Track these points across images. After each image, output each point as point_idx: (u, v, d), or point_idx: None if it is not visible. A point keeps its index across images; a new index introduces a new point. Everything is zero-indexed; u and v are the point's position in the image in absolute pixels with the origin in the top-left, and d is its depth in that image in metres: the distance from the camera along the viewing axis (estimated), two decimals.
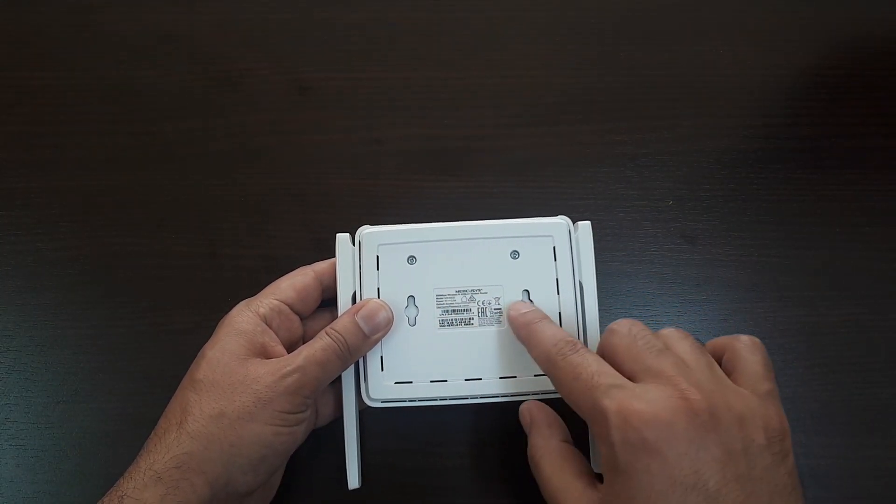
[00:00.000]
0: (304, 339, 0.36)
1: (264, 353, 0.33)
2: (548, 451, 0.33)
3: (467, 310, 0.36)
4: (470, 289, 0.36)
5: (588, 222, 0.37)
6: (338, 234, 0.37)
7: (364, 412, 0.37)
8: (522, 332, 0.34)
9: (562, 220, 0.37)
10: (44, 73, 0.45)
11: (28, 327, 0.40)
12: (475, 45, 0.45)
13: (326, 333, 0.34)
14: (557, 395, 0.32)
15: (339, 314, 0.35)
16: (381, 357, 0.36)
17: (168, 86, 0.45)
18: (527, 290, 0.36)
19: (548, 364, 0.32)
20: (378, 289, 0.36)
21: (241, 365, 0.32)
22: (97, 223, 0.42)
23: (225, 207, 0.42)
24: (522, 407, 0.35)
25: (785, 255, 0.41)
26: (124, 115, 0.44)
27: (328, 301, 0.36)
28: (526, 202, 0.42)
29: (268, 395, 0.31)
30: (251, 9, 0.46)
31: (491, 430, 0.39)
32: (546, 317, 0.34)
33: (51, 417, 0.39)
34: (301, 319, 0.36)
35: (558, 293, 0.36)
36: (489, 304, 0.36)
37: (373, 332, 0.34)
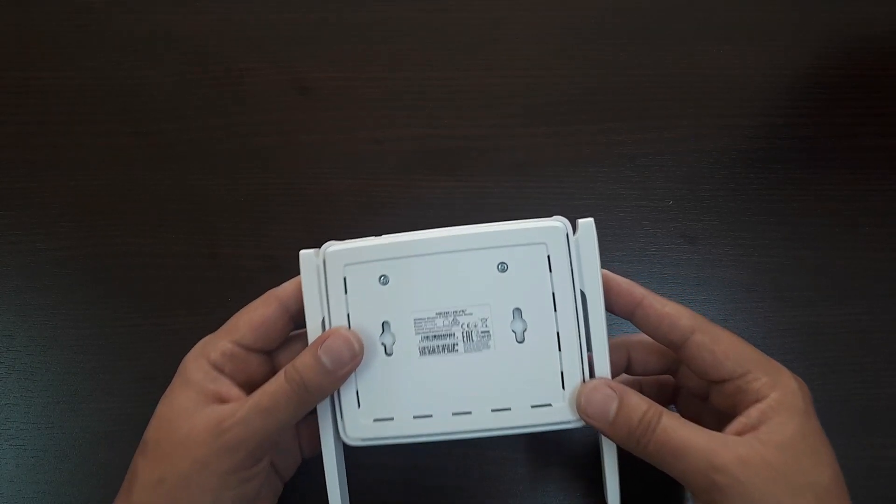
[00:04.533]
0: (276, 372, 0.33)
1: (219, 399, 0.31)
2: (662, 411, 0.30)
3: (450, 334, 0.32)
4: (452, 310, 0.32)
5: (590, 220, 0.32)
6: (301, 252, 0.32)
7: None
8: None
9: (557, 223, 0.32)
10: (44, 73, 0.45)
11: (28, 327, 0.40)
12: (475, 45, 0.45)
13: (284, 373, 0.30)
14: (557, 429, 0.31)
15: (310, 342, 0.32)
16: (357, 391, 0.32)
17: (168, 86, 0.45)
18: (518, 309, 0.31)
19: None
20: (348, 315, 0.32)
21: (186, 420, 0.30)
22: (97, 223, 0.42)
23: (225, 207, 0.42)
24: (587, 393, 0.31)
25: (785, 255, 0.41)
26: (124, 115, 0.44)
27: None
28: (525, 202, 0.42)
29: (205, 457, 0.29)
30: (251, 9, 0.46)
31: (491, 443, 0.39)
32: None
33: (51, 417, 0.39)
34: (269, 353, 0.34)
35: (555, 310, 0.31)
36: (475, 326, 0.31)
37: (337, 368, 0.30)
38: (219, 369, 0.32)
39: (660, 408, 0.30)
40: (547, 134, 0.44)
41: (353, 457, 0.34)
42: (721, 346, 0.30)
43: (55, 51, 0.45)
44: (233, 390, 0.31)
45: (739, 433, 0.29)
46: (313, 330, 0.32)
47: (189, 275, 0.41)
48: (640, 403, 0.30)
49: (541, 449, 0.39)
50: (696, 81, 0.44)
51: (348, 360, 0.31)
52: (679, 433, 0.29)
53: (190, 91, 0.45)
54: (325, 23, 0.46)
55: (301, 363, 0.30)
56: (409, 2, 0.46)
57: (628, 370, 0.35)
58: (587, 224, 0.32)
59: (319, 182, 0.43)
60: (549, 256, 0.31)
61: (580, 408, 0.31)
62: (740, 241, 0.41)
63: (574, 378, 0.31)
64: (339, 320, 0.32)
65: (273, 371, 0.33)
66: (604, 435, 0.31)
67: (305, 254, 0.32)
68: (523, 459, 0.39)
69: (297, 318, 0.33)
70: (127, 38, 0.46)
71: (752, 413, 0.29)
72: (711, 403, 0.32)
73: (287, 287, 0.33)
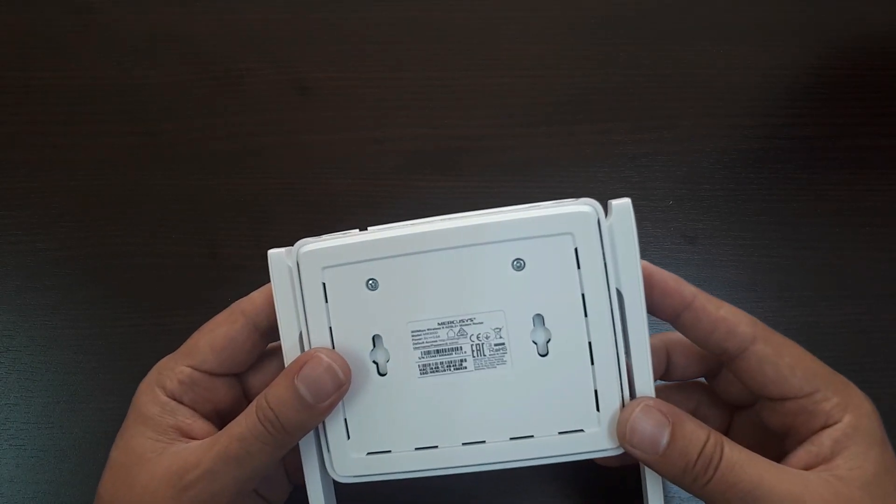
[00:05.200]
0: (249, 398, 0.30)
1: (182, 434, 0.27)
2: (723, 440, 0.25)
3: (457, 348, 0.26)
4: (458, 319, 0.26)
5: (626, 200, 0.26)
6: (269, 252, 0.27)
7: None
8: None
9: (586, 208, 0.26)
10: (44, 73, 0.45)
11: (28, 327, 0.40)
12: (475, 46, 0.45)
13: (255, 408, 0.26)
14: (586, 458, 0.27)
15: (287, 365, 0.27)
16: (345, 420, 0.27)
17: (168, 86, 0.45)
18: (539, 315, 0.26)
19: None
20: (330, 329, 0.27)
21: (143, 469, 0.26)
22: (97, 223, 0.42)
23: (225, 207, 0.42)
24: (634, 418, 0.25)
25: (785, 255, 0.41)
26: (124, 115, 0.44)
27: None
28: (525, 202, 0.42)
29: None
30: (251, 9, 0.46)
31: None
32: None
33: (51, 417, 0.39)
34: (238, 374, 0.29)
35: (585, 315, 0.26)
36: (487, 338, 0.26)
37: (319, 399, 0.25)
38: (177, 400, 0.28)
39: (720, 436, 0.25)
40: (547, 134, 0.44)
41: (345, 490, 0.30)
42: (786, 359, 0.26)
43: (55, 51, 0.45)
44: (196, 423, 0.28)
45: (809, 466, 0.25)
46: (290, 349, 0.27)
47: (189, 275, 0.41)
48: (698, 432, 0.25)
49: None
50: (696, 81, 0.44)
51: (332, 390, 0.26)
52: (748, 471, 0.24)
53: (190, 91, 0.45)
54: (325, 23, 0.46)
55: (275, 397, 0.25)
56: (410, 2, 0.46)
57: (665, 376, 0.31)
58: (623, 206, 0.26)
59: (319, 182, 0.43)
60: (576, 249, 0.26)
61: (623, 436, 0.25)
62: (740, 241, 0.41)
63: (611, 397, 0.26)
64: (318, 336, 0.27)
65: (244, 396, 0.30)
66: (648, 467, 0.26)
67: (275, 254, 0.27)
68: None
69: (269, 335, 0.29)
70: (127, 38, 0.46)
71: (824, 441, 0.25)
72: (762, 420, 0.28)
73: (255, 298, 0.28)
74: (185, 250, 0.41)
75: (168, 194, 0.43)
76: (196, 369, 0.28)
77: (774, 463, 0.25)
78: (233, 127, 0.44)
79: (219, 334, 0.28)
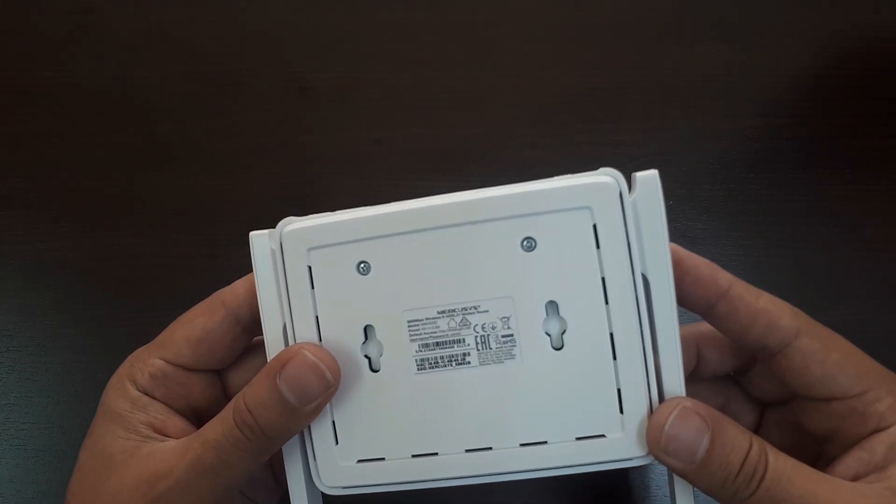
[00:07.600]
0: (228, 395, 0.27)
1: (154, 430, 0.25)
2: (767, 448, 0.22)
3: (459, 340, 0.23)
4: (460, 307, 0.23)
5: (653, 172, 0.23)
6: (251, 234, 0.25)
7: None
8: None
9: (607, 179, 0.23)
10: (44, 73, 0.45)
11: (28, 327, 0.40)
12: (475, 46, 0.45)
13: (233, 411, 0.23)
14: (608, 468, 0.23)
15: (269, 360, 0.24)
16: (333, 423, 0.24)
17: (168, 86, 0.45)
18: (553, 303, 0.23)
19: None
20: (317, 319, 0.24)
21: (112, 473, 0.24)
22: (97, 223, 0.42)
23: (225, 207, 0.42)
24: (671, 422, 0.22)
25: (785, 255, 0.41)
26: (124, 115, 0.44)
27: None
28: None
29: None
30: (251, 9, 0.46)
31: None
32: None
33: (51, 417, 0.39)
34: (219, 371, 0.27)
35: (607, 302, 0.22)
36: (493, 328, 0.23)
37: (304, 401, 0.22)
38: (149, 394, 0.25)
39: (763, 443, 0.22)
40: (547, 134, 0.44)
41: (333, 501, 0.27)
42: (834, 356, 0.23)
43: (55, 51, 0.45)
44: (171, 419, 0.25)
45: (859, 475, 0.22)
46: (272, 342, 0.24)
47: (189, 275, 0.41)
48: (740, 439, 0.22)
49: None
50: (696, 81, 0.44)
51: (318, 392, 0.23)
52: (797, 484, 0.21)
53: (190, 91, 0.45)
54: (325, 23, 0.46)
55: (254, 398, 0.23)
56: (410, 2, 0.46)
57: (695, 373, 0.27)
58: (649, 178, 0.23)
59: (319, 182, 0.43)
60: (595, 226, 0.23)
61: (657, 443, 0.22)
62: (740, 241, 0.41)
63: (637, 398, 0.23)
64: (304, 328, 0.24)
65: (224, 393, 0.27)
66: (681, 477, 0.23)
67: (257, 236, 0.25)
68: None
69: (251, 329, 0.26)
70: (127, 38, 0.46)
71: (876, 447, 0.22)
72: (800, 421, 0.25)
73: (237, 288, 0.26)
74: (185, 250, 0.42)
75: (168, 194, 0.43)
76: (170, 363, 0.26)
77: (824, 475, 0.22)
78: (233, 127, 0.44)
79: (196, 326, 0.26)
